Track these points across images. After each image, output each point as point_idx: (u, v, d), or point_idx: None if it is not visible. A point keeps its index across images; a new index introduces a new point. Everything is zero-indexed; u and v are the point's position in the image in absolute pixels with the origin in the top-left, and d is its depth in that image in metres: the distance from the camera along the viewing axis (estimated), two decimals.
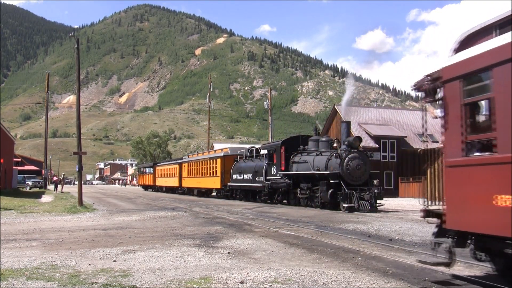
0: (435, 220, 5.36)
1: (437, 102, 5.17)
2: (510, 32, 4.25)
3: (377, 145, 33.79)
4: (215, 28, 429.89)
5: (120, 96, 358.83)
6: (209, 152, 36.08)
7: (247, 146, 33.89)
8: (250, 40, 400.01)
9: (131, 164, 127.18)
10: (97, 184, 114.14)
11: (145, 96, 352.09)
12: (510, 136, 4.11)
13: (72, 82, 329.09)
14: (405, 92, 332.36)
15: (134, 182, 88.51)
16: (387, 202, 21.61)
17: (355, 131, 32.57)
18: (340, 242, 8.65)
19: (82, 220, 13.63)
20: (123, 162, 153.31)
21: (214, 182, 30.90)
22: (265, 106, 43.70)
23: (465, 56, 4.73)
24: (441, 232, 5.19)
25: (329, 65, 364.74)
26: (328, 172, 18.13)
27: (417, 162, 34.98)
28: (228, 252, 7.35)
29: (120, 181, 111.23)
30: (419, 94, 5.39)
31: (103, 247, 7.93)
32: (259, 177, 23.92)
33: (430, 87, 5.16)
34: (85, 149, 65.37)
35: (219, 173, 30.10)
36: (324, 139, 20.72)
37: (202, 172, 33.49)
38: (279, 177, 21.73)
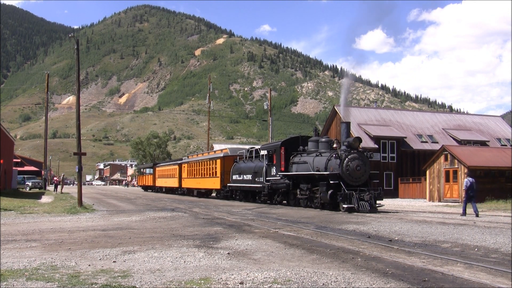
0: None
1: None
2: None
3: (376, 146, 33.80)
4: (214, 28, 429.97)
5: (120, 96, 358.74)
6: (208, 152, 36.07)
7: (247, 146, 33.88)
8: (249, 40, 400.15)
9: (131, 165, 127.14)
10: (97, 185, 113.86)
11: (144, 96, 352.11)
12: None
13: (71, 82, 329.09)
14: (404, 92, 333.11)
15: (134, 182, 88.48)
16: (386, 203, 21.63)
17: (354, 131, 32.58)
18: (339, 242, 8.65)
19: (82, 220, 13.63)
20: (123, 163, 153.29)
21: (214, 183, 30.89)
22: (265, 107, 43.70)
23: None
24: None
25: (329, 66, 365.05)
26: (327, 172, 18.13)
27: (416, 162, 35.03)
28: (228, 253, 7.35)
29: (123, 182, 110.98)
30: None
31: (103, 247, 7.93)
32: (258, 178, 23.91)
33: None
34: (85, 149, 65.27)
35: (218, 174, 30.09)
36: (323, 139, 20.70)
37: (201, 173, 33.48)
38: (279, 177, 21.73)
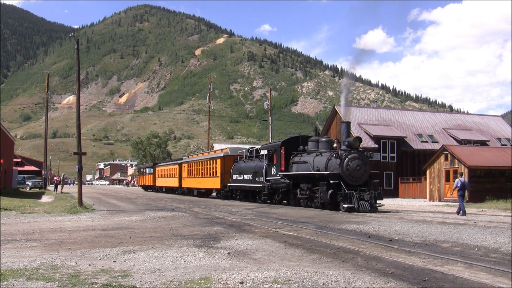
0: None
1: None
2: None
3: (377, 146, 33.80)
4: (215, 28, 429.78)
5: (120, 96, 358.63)
6: (209, 152, 36.07)
7: (247, 146, 33.87)
8: (250, 40, 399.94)
9: (131, 165, 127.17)
10: (101, 184, 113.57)
11: (145, 96, 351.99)
12: None
13: (72, 82, 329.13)
14: (405, 92, 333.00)
15: (134, 182, 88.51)
16: (387, 203, 21.63)
17: (355, 131, 32.58)
18: (340, 242, 8.65)
19: (82, 220, 13.63)
20: (123, 163, 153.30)
21: (214, 183, 30.89)
22: (265, 107, 43.71)
23: None
24: None
25: (329, 66, 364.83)
26: (328, 172, 18.13)
27: (416, 162, 35.02)
28: (228, 253, 7.35)
29: (123, 182, 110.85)
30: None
31: (103, 247, 7.93)
32: (259, 178, 23.92)
33: None
34: (85, 149, 65.28)
35: (219, 174, 30.09)
36: (324, 139, 20.70)
37: (202, 173, 33.49)
38: (279, 177, 21.73)
